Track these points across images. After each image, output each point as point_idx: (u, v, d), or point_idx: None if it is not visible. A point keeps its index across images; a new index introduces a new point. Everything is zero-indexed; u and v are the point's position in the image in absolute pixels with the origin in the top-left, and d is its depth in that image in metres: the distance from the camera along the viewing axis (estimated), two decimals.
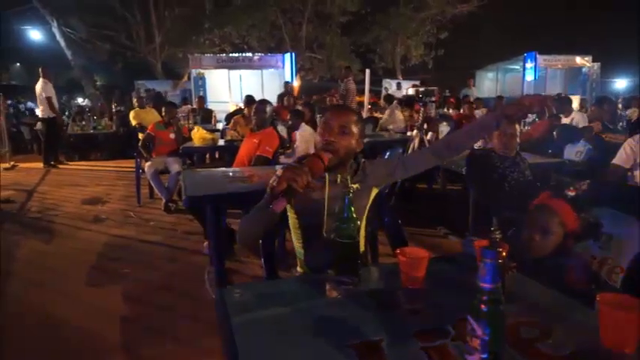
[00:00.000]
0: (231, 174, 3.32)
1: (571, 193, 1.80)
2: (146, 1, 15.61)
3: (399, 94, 12.06)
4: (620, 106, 8.43)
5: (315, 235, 1.65)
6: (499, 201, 2.92)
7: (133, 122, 7.34)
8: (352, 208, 1.28)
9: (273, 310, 1.18)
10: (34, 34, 17.28)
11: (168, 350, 2.38)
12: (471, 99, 9.39)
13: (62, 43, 14.35)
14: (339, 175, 1.64)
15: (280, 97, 8.48)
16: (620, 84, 19.45)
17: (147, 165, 5.00)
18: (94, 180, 7.05)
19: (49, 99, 7.76)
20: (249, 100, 7.05)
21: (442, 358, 0.94)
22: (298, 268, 1.77)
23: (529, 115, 6.45)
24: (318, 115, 7.27)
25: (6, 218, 4.84)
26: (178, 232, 4.29)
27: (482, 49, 18.52)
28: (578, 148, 4.06)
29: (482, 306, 0.82)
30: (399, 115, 7.39)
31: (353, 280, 1.27)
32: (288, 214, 1.72)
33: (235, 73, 13.20)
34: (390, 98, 9.11)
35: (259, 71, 13.26)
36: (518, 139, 3.10)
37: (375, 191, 1.75)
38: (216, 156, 6.46)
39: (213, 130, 6.51)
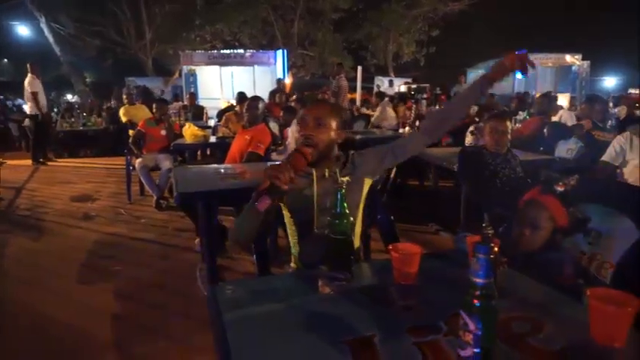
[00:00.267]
0: (222, 171, 3.31)
1: (560, 189, 1.81)
2: None
3: (390, 92, 12.09)
4: (610, 104, 8.51)
5: (308, 231, 1.66)
6: (491, 197, 2.94)
7: (124, 119, 7.27)
8: (345, 204, 1.28)
9: (265, 306, 1.18)
10: (22, 30, 17.05)
11: (160, 348, 2.37)
12: None
13: (50, 39, 14.20)
14: (326, 170, 1.64)
15: (272, 93, 8.45)
16: (610, 82, 19.66)
17: (137, 162, 4.96)
18: (84, 177, 6.98)
19: (34, 94, 7.66)
20: (241, 97, 7.02)
21: (435, 354, 0.94)
22: (292, 264, 1.77)
23: (520, 112, 6.50)
24: None
25: None
26: (170, 229, 4.27)
27: (474, 47, 18.60)
28: (569, 145, 4.09)
29: (475, 301, 0.82)
30: (391, 112, 7.40)
31: (346, 277, 1.27)
32: (283, 211, 1.72)
33: (227, 70, 13.15)
34: (381, 95, 9.13)
35: (251, 68, 13.22)
36: (509, 137, 3.12)
37: (368, 182, 1.74)
38: (208, 153, 6.43)
39: (205, 127, 6.47)
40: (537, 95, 7.59)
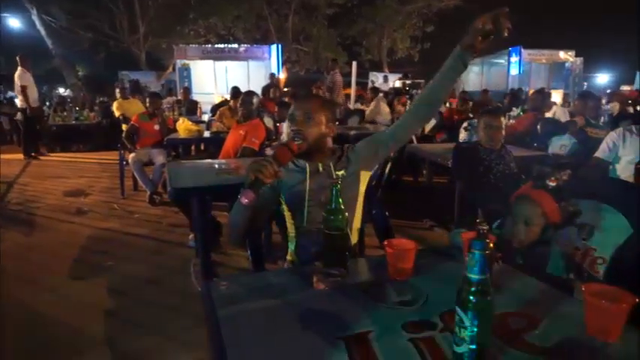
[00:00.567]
0: (217, 166, 3.29)
1: (552, 184, 1.81)
2: None
3: (385, 87, 12.08)
4: (603, 101, 8.56)
5: (303, 225, 1.65)
6: (485, 193, 2.95)
7: (117, 113, 7.22)
8: (340, 200, 1.27)
9: (260, 302, 1.17)
10: (13, 22, 16.84)
11: (153, 344, 2.36)
12: (457, 92, 9.43)
13: (42, 32, 14.03)
14: (320, 164, 1.63)
15: (265, 89, 8.41)
16: (602, 79, 19.77)
17: (131, 157, 4.93)
18: (77, 172, 6.93)
19: (23, 88, 7.57)
20: (235, 91, 6.98)
21: (430, 350, 0.94)
22: (288, 257, 1.77)
23: (514, 108, 6.51)
24: None
25: None
26: (163, 224, 4.25)
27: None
28: (563, 141, 4.10)
29: (471, 297, 0.82)
30: (385, 107, 7.40)
31: (341, 272, 1.27)
32: (282, 205, 1.72)
33: (221, 65, 13.08)
34: (376, 91, 9.11)
35: (245, 62, 13.16)
36: (503, 132, 3.13)
37: (365, 176, 1.72)
38: (202, 148, 6.40)
39: (199, 122, 6.44)
40: (531, 91, 7.61)
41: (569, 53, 14.59)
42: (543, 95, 5.26)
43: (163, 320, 2.58)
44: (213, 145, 5.08)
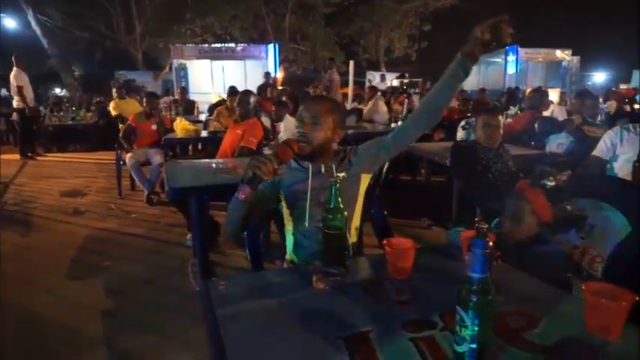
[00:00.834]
0: (214, 165, 3.28)
1: (551, 183, 1.81)
2: None
3: (382, 86, 12.07)
4: (600, 99, 8.58)
5: (302, 225, 1.66)
6: (483, 192, 2.94)
7: (113, 113, 7.21)
8: (339, 199, 1.27)
9: (259, 301, 1.17)
10: (9, 22, 16.76)
11: (152, 344, 2.35)
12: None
13: (38, 32, 13.96)
14: (322, 165, 1.63)
15: (260, 88, 8.38)
16: (599, 77, 19.82)
17: (128, 156, 4.91)
18: (74, 172, 6.90)
19: (19, 88, 7.54)
20: (232, 91, 6.97)
21: (431, 349, 0.94)
22: (286, 256, 1.77)
23: (511, 107, 6.51)
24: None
25: None
26: (161, 224, 4.24)
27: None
28: (560, 140, 4.11)
29: (472, 296, 0.82)
30: (383, 106, 7.40)
31: (340, 272, 1.26)
32: (282, 203, 1.71)
33: (218, 64, 13.06)
34: (374, 90, 9.11)
35: (242, 62, 13.14)
36: (501, 131, 3.13)
37: (366, 178, 1.73)
38: (199, 147, 6.39)
39: (196, 122, 6.43)
40: (528, 90, 7.63)
41: (566, 52, 14.63)
42: (541, 94, 5.26)
43: (162, 320, 2.57)
44: (211, 145, 5.07)
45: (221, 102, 7.64)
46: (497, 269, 1.30)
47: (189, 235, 3.63)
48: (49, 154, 8.69)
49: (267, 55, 12.74)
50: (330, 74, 9.41)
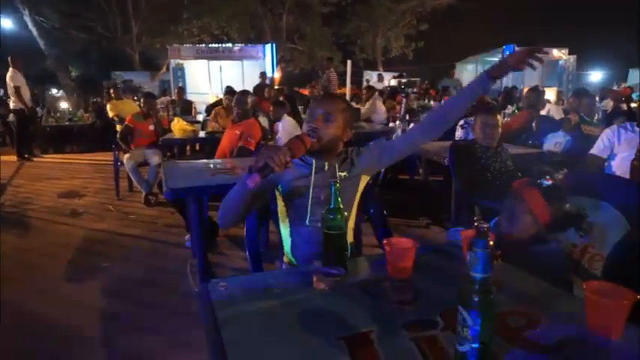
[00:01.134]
0: (212, 166, 3.27)
1: (547, 182, 1.81)
2: None
3: (380, 86, 12.07)
4: (597, 98, 8.60)
5: (302, 223, 1.64)
6: (481, 191, 2.95)
7: (110, 114, 7.18)
8: (339, 199, 1.27)
9: (259, 302, 1.16)
10: (5, 23, 16.68)
11: (151, 345, 2.34)
12: (453, 91, 9.43)
13: (34, 32, 13.90)
14: (325, 163, 1.63)
15: (257, 88, 8.35)
16: (596, 76, 19.87)
17: (125, 157, 4.90)
18: (71, 173, 6.88)
19: (17, 89, 7.51)
20: (229, 90, 6.96)
21: (432, 349, 0.94)
22: (284, 258, 1.76)
23: (509, 106, 6.53)
24: (300, 107, 7.23)
25: None
26: (159, 225, 4.23)
27: (462, 41, 18.66)
28: (557, 139, 4.13)
29: (474, 296, 0.81)
30: (381, 106, 7.40)
31: (340, 272, 1.26)
32: (277, 201, 1.70)
33: (215, 64, 13.02)
34: (371, 90, 9.11)
35: (240, 62, 13.10)
36: (499, 130, 3.13)
37: (364, 179, 1.73)
38: (197, 148, 6.37)
39: (194, 122, 6.42)
40: (525, 89, 7.63)
41: (563, 51, 14.65)
42: (538, 93, 5.27)
43: (161, 321, 2.56)
44: (209, 145, 5.06)
45: (219, 102, 7.64)
46: (497, 268, 1.30)
47: (187, 236, 3.63)
48: (46, 156, 8.67)
49: (264, 55, 12.71)
50: (328, 74, 9.41)
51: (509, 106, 6.67)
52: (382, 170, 3.33)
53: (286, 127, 4.74)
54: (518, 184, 1.77)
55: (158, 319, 2.60)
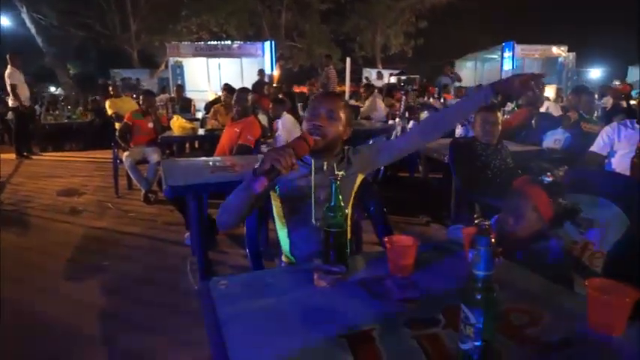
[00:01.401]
0: (212, 163, 3.27)
1: (548, 179, 1.81)
2: None
3: (379, 84, 12.05)
4: (596, 95, 8.60)
5: (301, 223, 1.63)
6: (482, 188, 2.95)
7: (109, 111, 7.17)
8: (340, 197, 1.26)
9: (260, 300, 1.16)
10: (3, 20, 16.64)
11: (151, 343, 2.34)
12: (451, 89, 9.42)
13: (32, 30, 13.87)
14: (324, 163, 1.62)
15: (255, 85, 8.33)
16: (595, 74, 19.87)
17: (125, 155, 4.89)
18: (70, 171, 6.87)
19: (13, 86, 7.48)
20: (227, 88, 6.94)
21: (434, 347, 0.94)
22: (283, 258, 1.75)
23: (508, 103, 6.53)
24: (299, 104, 7.22)
25: None
26: (159, 223, 4.22)
27: (462, 38, 18.64)
28: (556, 136, 4.12)
29: (477, 294, 0.81)
30: (381, 103, 7.40)
31: (341, 270, 1.26)
32: (273, 202, 1.69)
33: (214, 62, 13.00)
34: (370, 87, 9.10)
35: (239, 59, 13.08)
36: (499, 127, 3.13)
37: (360, 177, 1.73)
38: (196, 146, 6.37)
39: (193, 119, 6.41)
40: None
41: (562, 48, 14.64)
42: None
43: (161, 319, 2.56)
44: (208, 143, 5.06)
45: (218, 100, 7.62)
46: (498, 266, 1.30)
47: (187, 234, 3.62)
48: (44, 154, 8.65)
49: (263, 53, 12.69)
50: (327, 71, 9.39)
51: (508, 104, 6.65)
52: (382, 167, 3.33)
53: (286, 125, 4.73)
54: (520, 182, 1.77)
55: (158, 317, 2.60)
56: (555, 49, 14.61)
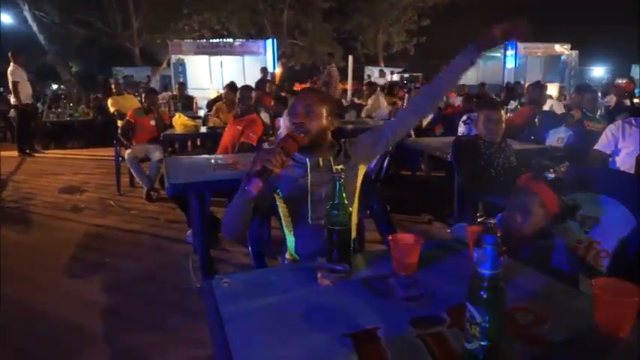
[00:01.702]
0: (214, 161, 3.27)
1: (551, 175, 1.80)
2: None
3: (381, 82, 12.04)
4: (599, 93, 8.56)
5: (303, 222, 1.63)
6: (485, 187, 2.93)
7: (111, 109, 7.17)
8: (343, 194, 1.25)
9: (263, 299, 1.15)
10: (5, 18, 16.65)
11: (152, 341, 2.33)
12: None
13: (34, 28, 13.88)
14: (319, 159, 1.61)
15: (258, 83, 8.33)
16: (598, 72, 19.80)
17: (127, 153, 4.88)
18: (72, 169, 6.87)
19: (14, 84, 7.48)
20: (229, 86, 6.93)
21: (439, 346, 0.93)
22: (287, 256, 1.74)
23: (511, 102, 6.49)
24: None
25: None
26: (161, 220, 4.22)
27: (464, 36, 18.56)
28: (559, 134, 4.10)
29: (483, 293, 0.80)
30: (384, 101, 7.39)
31: (344, 268, 1.25)
32: (278, 204, 1.69)
33: (216, 59, 12.98)
34: (372, 86, 9.08)
35: (240, 57, 13.05)
36: (503, 126, 3.11)
37: (362, 169, 1.72)
38: (198, 143, 6.36)
39: (195, 117, 6.40)
40: (527, 85, 7.61)
41: (565, 46, 14.59)
42: (540, 88, 5.25)
43: (162, 317, 2.56)
44: (210, 141, 5.05)
45: (220, 97, 7.61)
46: (503, 265, 1.28)
47: (189, 232, 3.61)
48: (46, 151, 8.65)
49: (265, 51, 12.67)
50: (329, 69, 9.38)
51: (511, 102, 6.63)
52: (384, 166, 3.32)
53: (287, 123, 4.72)
54: (525, 179, 1.76)
55: (159, 314, 2.59)
56: (558, 47, 14.56)
